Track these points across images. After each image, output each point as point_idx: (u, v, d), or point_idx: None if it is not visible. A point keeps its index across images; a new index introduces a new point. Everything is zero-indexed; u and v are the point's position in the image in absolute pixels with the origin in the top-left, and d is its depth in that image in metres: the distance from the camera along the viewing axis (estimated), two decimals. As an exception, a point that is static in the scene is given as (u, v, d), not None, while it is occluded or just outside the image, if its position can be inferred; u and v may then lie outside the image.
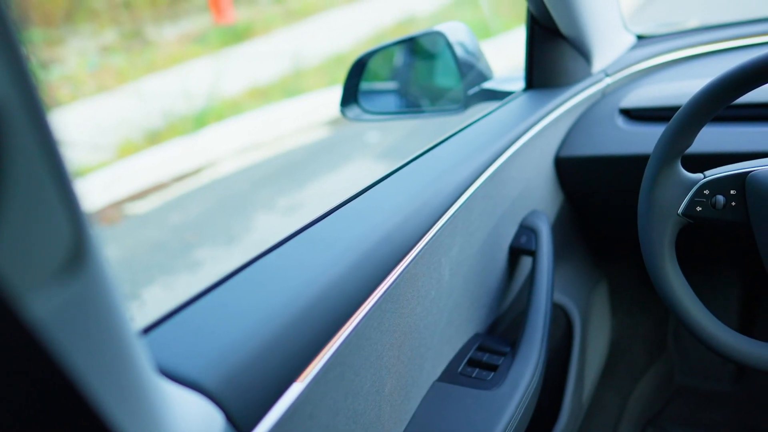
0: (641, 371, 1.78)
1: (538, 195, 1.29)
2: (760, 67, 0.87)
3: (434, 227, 0.91)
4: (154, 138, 6.15)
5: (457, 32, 1.43)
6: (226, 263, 3.88)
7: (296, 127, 6.13)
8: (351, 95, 1.50)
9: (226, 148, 5.78)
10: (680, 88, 1.35)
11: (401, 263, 0.82)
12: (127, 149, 5.91)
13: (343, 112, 1.50)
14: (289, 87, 7.24)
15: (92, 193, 4.92)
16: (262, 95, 7.15)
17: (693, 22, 1.79)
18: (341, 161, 5.22)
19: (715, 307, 1.71)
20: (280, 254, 0.74)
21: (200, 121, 6.36)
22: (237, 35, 10.08)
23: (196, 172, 5.45)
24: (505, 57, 6.15)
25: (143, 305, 3.57)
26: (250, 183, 5.11)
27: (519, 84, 1.43)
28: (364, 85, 1.52)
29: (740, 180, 0.95)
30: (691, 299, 0.99)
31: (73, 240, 0.32)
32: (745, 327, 1.80)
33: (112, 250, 4.21)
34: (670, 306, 0.99)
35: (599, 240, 1.60)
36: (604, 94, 1.46)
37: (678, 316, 1.00)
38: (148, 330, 0.60)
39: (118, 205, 4.95)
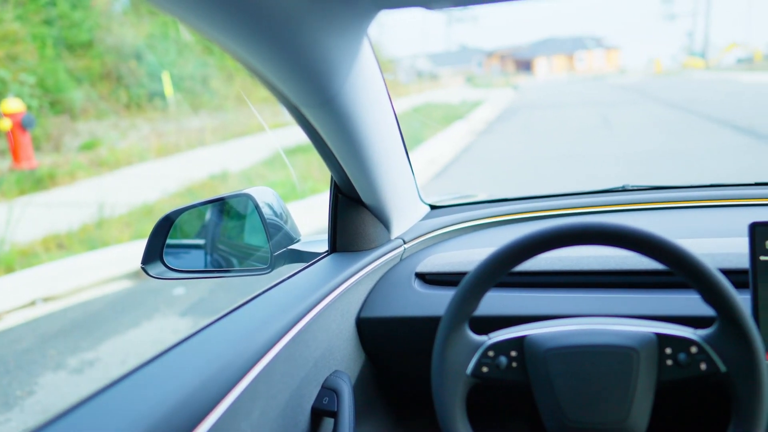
0: None
1: (340, 355, 1.32)
2: (534, 241, 1.00)
3: (234, 391, 0.89)
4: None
5: (265, 195, 1.48)
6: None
7: (96, 280, 5.80)
8: (155, 252, 1.48)
9: (13, 301, 5.30)
10: (468, 255, 1.48)
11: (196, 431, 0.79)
12: None
13: (145, 269, 1.46)
14: (91, 237, 6.92)
15: None
16: (61, 245, 6.75)
17: (481, 195, 2.00)
18: (143, 316, 4.97)
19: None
20: (61, 427, 0.69)
21: (-15, 270, 5.83)
22: (37, 182, 9.60)
23: (-25, 327, 4.91)
24: (315, 217, 6.37)
25: None
26: (38, 339, 4.68)
27: (324, 246, 1.49)
28: (171, 243, 1.50)
29: (519, 343, 1.04)
30: None
31: None
32: None
33: None
34: None
35: (400, 399, 1.64)
36: (402, 259, 1.56)
37: None
38: None
39: None
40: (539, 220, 1.72)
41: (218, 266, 1.62)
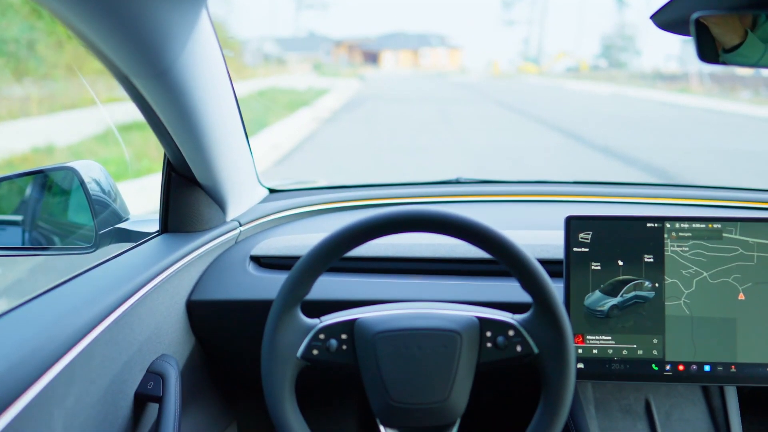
0: None
1: (168, 339, 1.28)
2: (366, 227, 1.02)
3: (45, 376, 0.84)
4: None
5: (91, 170, 1.40)
6: None
7: None
8: (-39, 227, 1.36)
9: None
10: (303, 239, 1.49)
11: None
12: None
13: (-55, 245, 1.34)
14: None
15: None
16: None
17: (321, 181, 2.01)
18: (-51, 299, 4.54)
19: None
20: None
21: None
22: None
23: None
24: (149, 198, 6.11)
25: None
26: None
27: (155, 226, 1.44)
28: (-20, 217, 1.39)
29: (350, 326, 1.06)
30: None
31: None
32: None
33: None
34: None
35: (230, 383, 1.62)
36: (237, 242, 1.54)
37: None
38: None
39: None
40: (375, 208, 1.76)
41: (37, 244, 1.52)
